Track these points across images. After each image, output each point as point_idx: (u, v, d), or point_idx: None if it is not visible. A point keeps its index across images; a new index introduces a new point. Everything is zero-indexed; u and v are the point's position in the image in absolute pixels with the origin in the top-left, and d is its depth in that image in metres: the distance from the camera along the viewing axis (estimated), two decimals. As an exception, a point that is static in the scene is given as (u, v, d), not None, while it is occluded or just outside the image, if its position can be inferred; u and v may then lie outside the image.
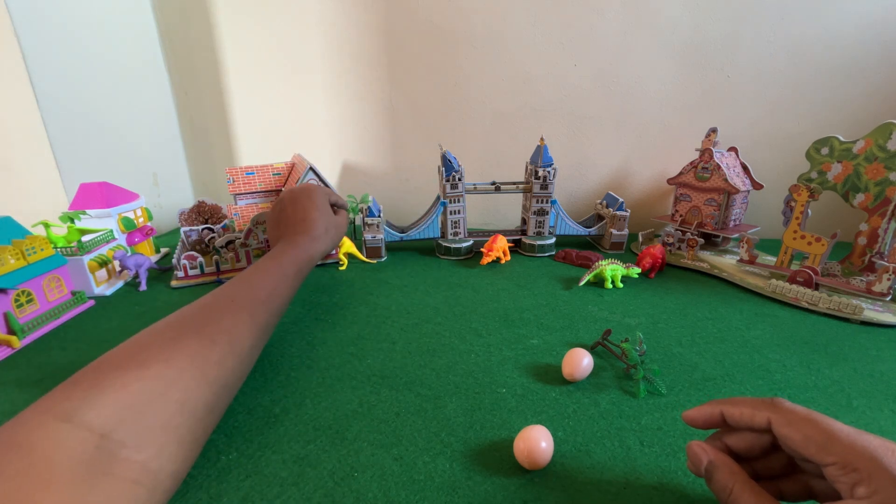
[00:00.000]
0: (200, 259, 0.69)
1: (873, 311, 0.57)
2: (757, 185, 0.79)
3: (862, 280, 0.61)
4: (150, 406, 0.27)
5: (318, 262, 0.65)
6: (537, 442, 0.33)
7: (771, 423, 0.26)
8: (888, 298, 0.59)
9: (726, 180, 0.74)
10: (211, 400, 0.32)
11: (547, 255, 0.81)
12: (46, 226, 0.62)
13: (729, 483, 0.26)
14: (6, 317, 0.51)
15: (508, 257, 0.78)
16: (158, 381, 0.28)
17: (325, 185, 0.80)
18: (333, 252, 0.77)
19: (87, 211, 0.69)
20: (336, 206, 0.63)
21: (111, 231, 0.70)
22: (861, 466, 0.22)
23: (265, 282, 0.43)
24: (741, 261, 0.71)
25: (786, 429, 0.25)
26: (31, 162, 0.76)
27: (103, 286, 0.66)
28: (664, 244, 0.77)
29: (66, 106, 0.78)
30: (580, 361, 0.43)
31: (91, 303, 0.63)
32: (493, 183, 0.81)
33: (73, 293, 0.60)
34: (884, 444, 0.22)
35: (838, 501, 0.22)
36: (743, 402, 0.28)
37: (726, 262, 0.73)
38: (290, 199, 0.57)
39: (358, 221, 0.84)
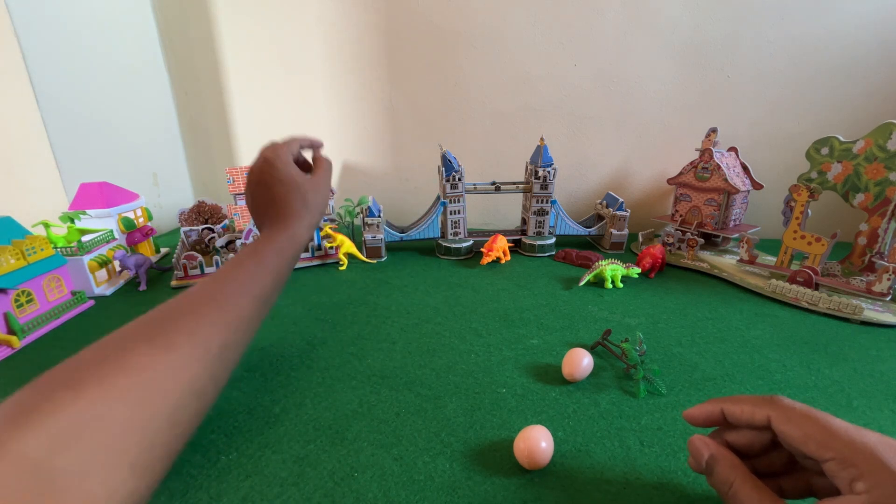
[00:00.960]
0: (200, 259, 0.69)
1: (873, 311, 0.57)
2: (757, 185, 0.79)
3: (862, 280, 0.61)
4: (87, 430, 0.24)
5: (310, 239, 0.55)
6: (537, 442, 0.33)
7: (771, 420, 0.26)
8: (888, 298, 0.59)
9: (726, 180, 0.74)
10: (171, 412, 0.28)
11: (547, 255, 0.81)
12: (46, 226, 0.62)
13: (730, 476, 0.26)
14: (6, 317, 0.51)
15: (508, 257, 0.78)
16: (94, 403, 0.25)
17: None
18: (333, 251, 0.77)
19: (87, 211, 0.69)
20: (308, 161, 0.54)
21: (111, 231, 0.70)
22: (859, 462, 0.22)
23: (237, 273, 0.38)
24: (741, 261, 0.71)
25: (785, 426, 0.25)
26: (31, 162, 0.76)
27: (103, 286, 0.66)
28: (664, 244, 0.77)
29: (66, 106, 0.78)
30: (580, 361, 0.43)
31: (91, 303, 0.63)
32: (493, 183, 0.81)
33: (73, 293, 0.60)
34: (882, 440, 0.23)
35: (837, 497, 0.22)
36: (743, 399, 0.28)
37: (726, 262, 0.73)
38: (253, 183, 0.49)
39: (358, 222, 0.84)
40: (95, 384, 0.26)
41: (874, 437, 0.23)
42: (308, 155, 0.53)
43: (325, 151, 0.55)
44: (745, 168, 0.79)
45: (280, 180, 0.47)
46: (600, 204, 0.86)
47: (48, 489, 0.22)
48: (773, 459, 0.28)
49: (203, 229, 0.80)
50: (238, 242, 0.71)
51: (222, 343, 0.33)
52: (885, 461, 0.22)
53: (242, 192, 0.82)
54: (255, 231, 0.73)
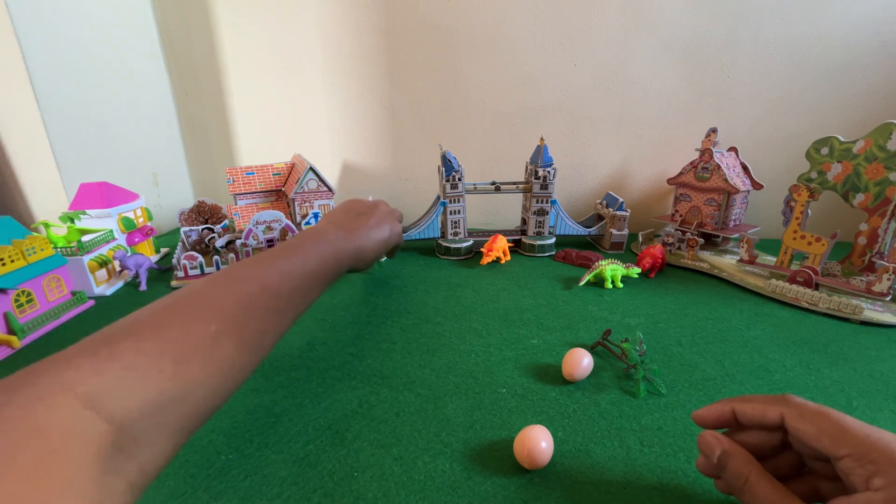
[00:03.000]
0: (200, 259, 0.69)
1: (873, 311, 0.57)
2: (757, 185, 0.79)
3: (862, 280, 0.61)
4: (171, 402, 0.24)
5: (359, 267, 0.53)
6: (537, 442, 0.33)
7: (784, 417, 0.26)
8: (888, 298, 0.59)
9: (726, 180, 0.74)
10: (211, 402, 0.28)
11: (547, 255, 0.81)
12: (46, 226, 0.62)
13: (745, 470, 0.26)
14: (6, 317, 0.51)
15: (508, 257, 0.78)
16: (179, 378, 0.25)
17: (326, 185, 0.80)
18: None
19: (87, 211, 0.69)
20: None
21: (111, 231, 0.70)
22: (876, 458, 0.22)
23: (273, 266, 0.38)
24: (741, 261, 0.71)
25: (798, 422, 0.25)
26: (31, 162, 0.76)
27: (103, 286, 0.66)
28: (664, 244, 0.77)
29: (66, 106, 0.78)
30: (580, 361, 0.43)
31: (91, 303, 0.63)
32: (493, 183, 0.81)
33: (73, 293, 0.60)
34: None
35: (854, 494, 0.22)
36: (754, 398, 0.28)
37: (726, 262, 0.73)
38: (353, 201, 0.58)
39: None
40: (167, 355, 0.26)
41: (889, 436, 0.23)
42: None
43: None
44: (745, 168, 0.79)
45: (376, 209, 0.59)
46: (600, 204, 0.86)
47: (120, 459, 0.21)
48: (781, 462, 0.28)
49: (203, 229, 0.80)
50: (238, 242, 0.71)
51: (238, 341, 0.32)
52: None
53: (243, 192, 0.82)
54: (257, 231, 0.73)
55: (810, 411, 0.25)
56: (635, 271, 0.68)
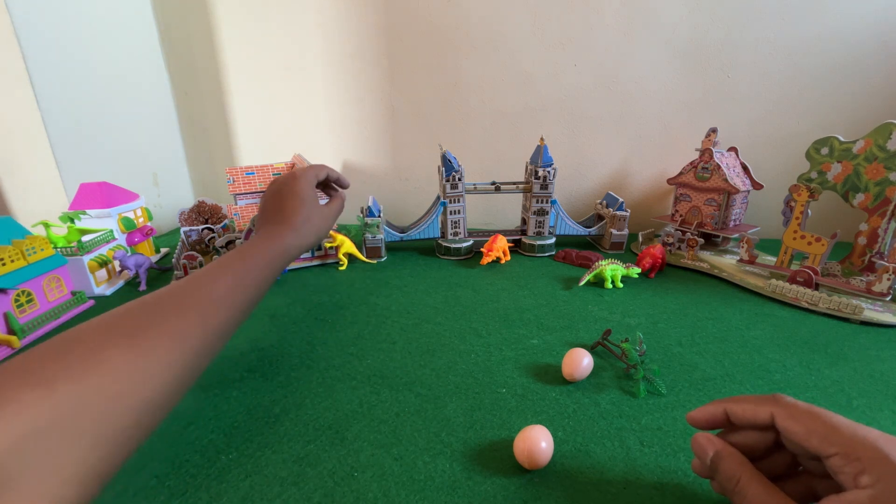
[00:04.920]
0: (200, 259, 0.69)
1: (873, 311, 0.57)
2: (757, 185, 0.79)
3: (862, 280, 0.61)
4: (52, 434, 0.22)
5: (301, 255, 0.54)
6: (537, 442, 0.33)
7: (774, 417, 0.26)
8: (888, 298, 0.59)
9: (726, 180, 0.74)
10: (132, 422, 0.26)
11: (547, 255, 0.81)
12: (46, 226, 0.62)
13: (737, 472, 0.26)
14: (6, 317, 0.51)
15: (508, 257, 0.78)
16: (63, 402, 0.23)
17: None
18: (333, 252, 0.77)
19: (87, 211, 0.69)
20: (331, 187, 0.59)
21: (111, 231, 0.70)
22: (864, 456, 0.22)
23: (224, 277, 0.37)
24: (741, 261, 0.71)
25: (788, 422, 0.25)
26: (31, 162, 0.76)
27: (103, 286, 0.66)
28: (664, 244, 0.77)
29: (66, 106, 0.78)
30: (580, 361, 0.43)
31: (91, 303, 0.63)
32: (493, 183, 0.81)
33: (73, 293, 0.60)
34: (884, 436, 0.23)
35: (843, 493, 0.22)
36: (745, 399, 0.28)
37: (726, 262, 0.73)
38: (271, 191, 0.51)
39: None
40: (67, 380, 0.24)
41: (876, 433, 0.23)
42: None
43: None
44: (745, 168, 0.79)
45: (295, 193, 0.50)
46: (600, 204, 0.86)
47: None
48: (775, 462, 0.28)
49: (203, 229, 0.80)
50: (238, 242, 0.71)
51: (199, 350, 0.32)
52: (889, 455, 0.22)
53: (243, 192, 0.82)
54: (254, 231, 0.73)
55: (800, 411, 0.25)
56: (635, 271, 0.68)
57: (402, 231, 0.83)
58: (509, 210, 0.98)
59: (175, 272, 0.69)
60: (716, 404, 0.29)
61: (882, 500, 0.21)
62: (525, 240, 0.82)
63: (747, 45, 0.82)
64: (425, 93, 0.94)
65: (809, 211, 0.63)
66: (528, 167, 0.81)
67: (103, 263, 0.67)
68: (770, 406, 0.26)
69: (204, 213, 0.85)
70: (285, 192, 0.50)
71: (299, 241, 0.48)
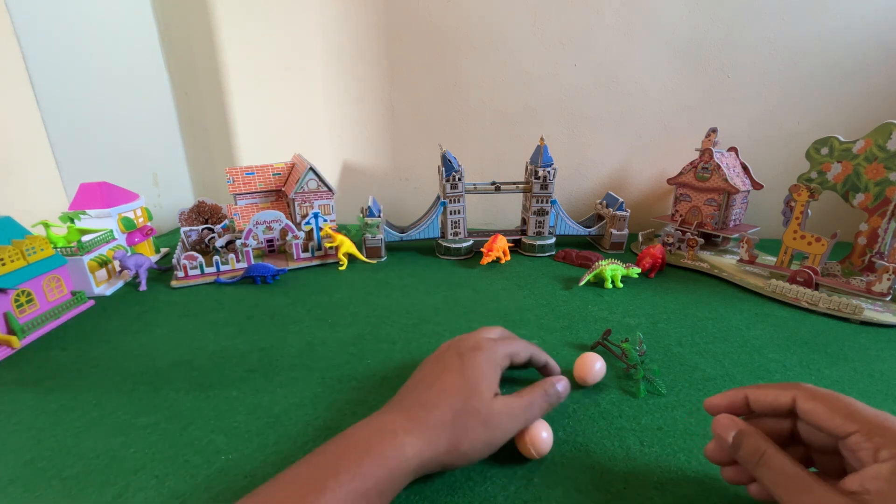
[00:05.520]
0: (200, 259, 0.69)
1: (873, 311, 0.57)
2: (757, 185, 0.79)
3: (862, 280, 0.61)
4: None
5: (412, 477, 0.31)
6: (538, 431, 0.34)
7: (796, 399, 0.27)
8: (888, 298, 0.59)
9: (726, 180, 0.74)
10: None
11: (547, 255, 0.81)
12: (46, 226, 0.62)
13: (761, 445, 0.26)
14: (6, 317, 0.51)
15: (508, 257, 0.78)
16: None
17: (326, 185, 0.80)
18: (333, 252, 0.77)
19: (87, 211, 0.69)
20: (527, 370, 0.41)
21: (111, 231, 0.70)
22: (884, 433, 0.23)
23: None
24: (741, 261, 0.71)
25: (811, 403, 0.26)
26: (31, 162, 0.76)
27: (103, 286, 0.66)
28: (664, 244, 0.77)
29: (66, 106, 0.78)
30: (592, 365, 0.43)
31: (91, 303, 0.63)
32: (493, 183, 0.81)
33: (73, 293, 0.60)
34: None
35: (863, 469, 0.23)
36: (767, 385, 0.29)
37: (726, 262, 0.73)
38: (439, 354, 0.38)
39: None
40: None
41: (894, 417, 0.24)
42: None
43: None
44: (745, 168, 0.79)
45: (463, 372, 0.34)
46: (600, 204, 0.86)
47: None
48: (788, 454, 0.28)
49: (203, 229, 0.80)
50: (238, 242, 0.71)
51: None
52: None
53: (243, 191, 0.82)
54: (257, 231, 0.73)
55: (822, 393, 0.26)
56: (635, 271, 0.68)
57: (402, 231, 0.83)
58: (509, 210, 0.98)
59: (175, 272, 0.69)
60: (736, 391, 0.30)
61: None
62: (525, 240, 0.82)
63: (747, 45, 0.82)
64: (425, 93, 0.94)
65: (809, 211, 0.63)
66: (528, 167, 0.81)
67: (103, 263, 0.67)
68: (792, 390, 0.27)
69: (204, 213, 0.85)
70: (452, 364, 0.35)
71: (434, 451, 0.30)
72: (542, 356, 0.41)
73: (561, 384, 0.37)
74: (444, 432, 0.30)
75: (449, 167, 0.77)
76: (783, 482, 0.25)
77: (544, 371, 0.41)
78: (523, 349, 0.39)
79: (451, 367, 0.35)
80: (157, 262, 0.75)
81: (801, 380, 0.45)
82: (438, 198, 0.80)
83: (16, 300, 0.53)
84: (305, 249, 0.76)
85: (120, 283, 0.69)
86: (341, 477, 0.27)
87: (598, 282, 0.67)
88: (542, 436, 0.34)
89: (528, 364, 0.40)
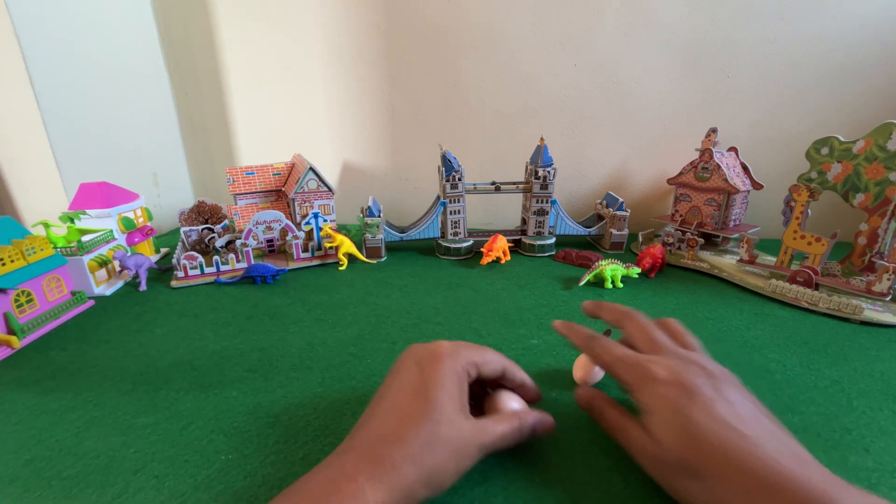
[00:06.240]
0: (200, 259, 0.69)
1: (873, 311, 0.57)
2: (757, 185, 0.79)
3: (862, 280, 0.61)
4: None
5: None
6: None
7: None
8: (888, 298, 0.59)
9: (726, 180, 0.74)
10: None
11: (547, 255, 0.81)
12: (46, 226, 0.62)
13: (600, 406, 0.36)
14: (6, 317, 0.51)
15: (508, 257, 0.78)
16: None
17: (326, 185, 0.80)
18: (332, 251, 0.77)
19: (87, 211, 0.69)
20: (501, 387, 0.37)
21: (111, 231, 0.70)
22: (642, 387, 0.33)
23: None
24: (741, 261, 0.71)
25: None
26: (31, 162, 0.76)
27: (103, 286, 0.66)
28: (664, 244, 0.77)
29: (66, 106, 0.78)
30: (592, 365, 0.43)
31: (91, 303, 0.63)
32: (493, 183, 0.81)
33: (73, 293, 0.60)
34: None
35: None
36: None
37: (726, 262, 0.73)
38: (397, 368, 0.34)
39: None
40: None
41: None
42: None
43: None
44: (745, 168, 0.79)
45: (426, 390, 0.30)
46: (600, 204, 0.86)
47: None
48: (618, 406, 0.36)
49: (203, 229, 0.80)
50: (238, 242, 0.71)
51: None
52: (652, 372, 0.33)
53: (243, 192, 0.82)
54: (257, 231, 0.73)
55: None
56: (635, 271, 0.68)
57: (402, 231, 0.83)
58: (509, 210, 0.98)
59: (175, 272, 0.69)
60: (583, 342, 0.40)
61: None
62: (525, 240, 0.82)
63: (747, 45, 0.82)
64: (425, 93, 0.94)
65: (809, 211, 0.63)
66: (528, 167, 0.81)
67: (103, 263, 0.67)
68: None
69: (204, 213, 0.85)
70: (411, 379, 0.31)
71: (403, 493, 0.26)
72: (519, 374, 0.37)
73: (538, 423, 0.34)
74: (410, 470, 0.27)
75: (449, 167, 0.77)
76: (613, 427, 0.35)
77: (520, 392, 0.37)
78: (494, 360, 0.35)
79: (410, 383, 0.31)
80: (157, 262, 0.75)
81: (801, 380, 0.45)
82: (438, 198, 0.80)
83: (16, 300, 0.53)
84: (305, 249, 0.76)
85: (120, 283, 0.69)
86: None
87: (598, 282, 0.67)
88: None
89: (501, 379, 0.36)
